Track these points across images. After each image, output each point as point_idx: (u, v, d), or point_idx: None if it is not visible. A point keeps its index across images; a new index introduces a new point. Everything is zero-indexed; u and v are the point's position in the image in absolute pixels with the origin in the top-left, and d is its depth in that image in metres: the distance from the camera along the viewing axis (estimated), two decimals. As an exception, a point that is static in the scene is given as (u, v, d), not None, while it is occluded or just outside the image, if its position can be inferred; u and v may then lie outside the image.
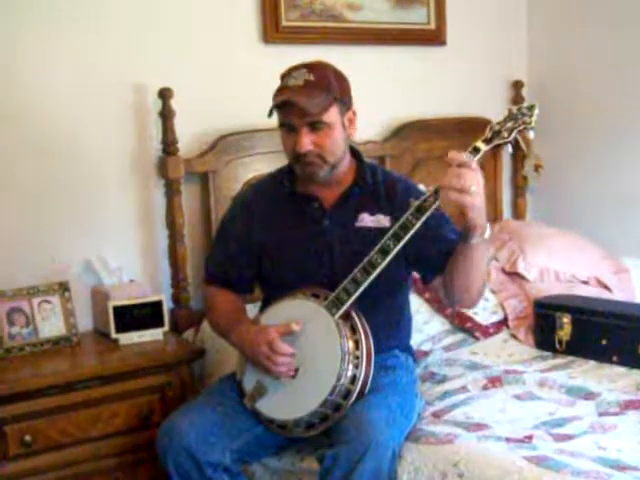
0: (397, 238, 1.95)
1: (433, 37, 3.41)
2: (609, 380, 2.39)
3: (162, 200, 2.81)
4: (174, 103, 2.72)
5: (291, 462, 2.16)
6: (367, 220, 2.18)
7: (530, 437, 2.00)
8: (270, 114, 2.10)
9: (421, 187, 2.26)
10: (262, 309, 2.26)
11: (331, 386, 1.95)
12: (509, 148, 1.99)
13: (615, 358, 2.54)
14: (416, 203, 1.94)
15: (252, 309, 2.39)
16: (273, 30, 3.00)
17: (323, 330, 2.00)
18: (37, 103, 2.62)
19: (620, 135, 3.42)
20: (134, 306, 2.58)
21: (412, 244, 1.97)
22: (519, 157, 3.62)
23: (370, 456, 1.83)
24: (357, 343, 2.01)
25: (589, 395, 2.28)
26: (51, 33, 2.62)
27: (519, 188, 3.72)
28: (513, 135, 1.94)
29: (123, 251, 2.79)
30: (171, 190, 2.77)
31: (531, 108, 1.95)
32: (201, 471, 2.00)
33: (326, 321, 2.01)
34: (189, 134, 2.83)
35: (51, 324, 2.57)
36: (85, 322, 2.73)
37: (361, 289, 1.99)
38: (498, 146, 1.95)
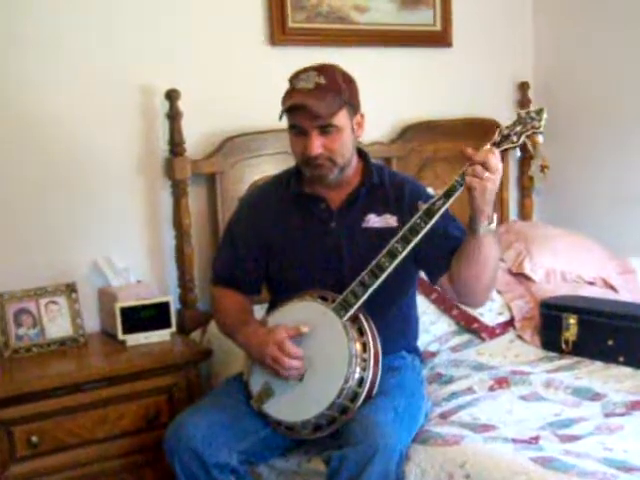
0: (406, 241, 1.95)
1: (439, 38, 3.41)
2: (615, 381, 2.39)
3: (169, 201, 2.82)
4: (181, 104, 2.73)
5: (298, 463, 2.16)
6: (374, 221, 2.18)
7: (536, 438, 2.00)
8: (281, 117, 2.10)
9: (429, 190, 2.26)
10: (269, 311, 2.26)
11: (338, 388, 1.95)
12: (517, 152, 1.99)
13: (621, 359, 2.54)
14: (425, 206, 1.95)
15: (259, 311, 2.39)
16: (280, 32, 3.00)
17: (331, 332, 2.01)
18: (44, 105, 2.63)
19: (626, 135, 3.41)
20: (141, 307, 2.59)
21: (419, 244, 1.97)
22: (525, 159, 3.62)
23: (378, 458, 1.84)
24: (365, 345, 2.01)
25: (595, 396, 2.28)
26: (57, 34, 2.63)
27: (525, 189, 3.72)
28: (522, 139, 1.94)
29: (130, 252, 2.79)
30: (178, 191, 2.78)
31: (540, 112, 1.96)
32: (208, 472, 2.00)
33: (334, 323, 2.01)
34: (196, 135, 2.84)
35: (58, 325, 2.58)
36: (92, 323, 2.73)
37: (369, 292, 1.99)
38: (507, 150, 1.96)
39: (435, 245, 2.09)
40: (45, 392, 2.30)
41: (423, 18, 3.35)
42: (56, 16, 2.62)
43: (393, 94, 3.26)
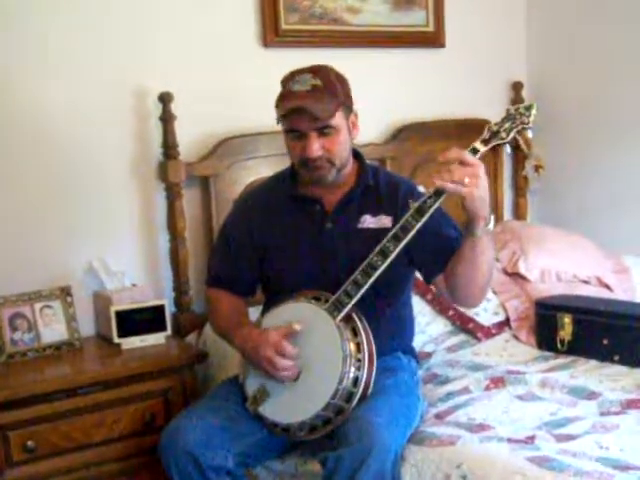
0: (397, 240, 1.95)
1: (432, 39, 3.41)
2: (611, 380, 2.39)
3: (163, 204, 2.82)
4: (174, 107, 2.73)
5: (294, 465, 2.17)
6: (369, 221, 2.18)
7: (532, 438, 2.00)
8: (279, 121, 2.10)
9: (421, 188, 2.26)
10: (264, 312, 2.26)
11: (333, 389, 1.95)
12: (508, 149, 2.00)
13: (616, 357, 2.54)
14: (416, 204, 1.95)
15: (254, 312, 2.39)
16: (273, 33, 3.00)
17: (325, 333, 2.00)
18: (37, 107, 2.63)
19: (620, 135, 3.42)
20: (136, 310, 2.59)
21: (413, 243, 1.97)
22: (519, 158, 3.62)
23: (373, 459, 1.83)
24: (359, 345, 2.01)
25: (591, 395, 2.28)
26: (51, 37, 2.63)
27: (520, 189, 3.73)
28: (511, 135, 1.94)
29: (125, 255, 2.79)
30: (172, 194, 2.77)
31: (529, 108, 1.96)
32: (204, 475, 2.00)
33: (327, 324, 2.01)
34: (190, 138, 2.84)
35: (53, 329, 2.57)
36: (87, 327, 2.73)
37: (362, 291, 1.99)
38: (497, 146, 1.96)
39: (429, 245, 2.09)
40: (41, 396, 2.30)
41: (416, 19, 3.35)
42: (49, 17, 2.62)
43: (386, 95, 3.26)
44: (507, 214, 3.71)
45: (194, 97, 2.83)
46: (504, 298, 2.93)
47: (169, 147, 2.75)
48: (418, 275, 2.28)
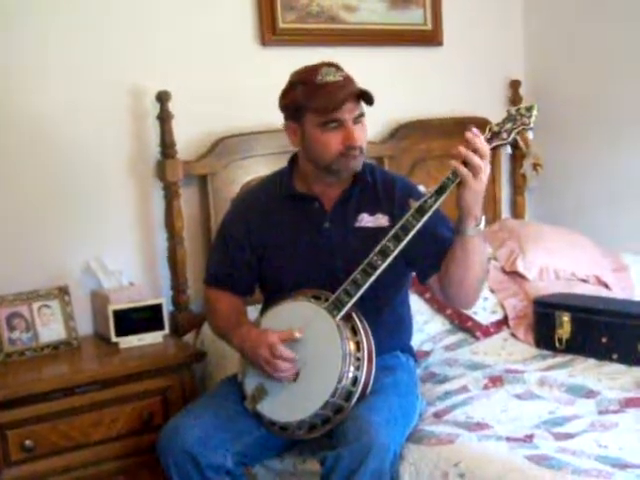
0: (397, 239, 1.96)
1: (430, 37, 3.41)
2: (609, 378, 2.39)
3: (161, 203, 2.81)
4: (172, 106, 2.72)
5: (293, 464, 2.17)
6: (367, 220, 2.18)
7: (531, 436, 2.00)
8: (304, 114, 2.10)
9: (420, 188, 2.26)
10: (263, 311, 2.26)
11: (332, 388, 1.95)
12: (508, 149, 2.00)
13: (615, 356, 2.54)
14: (416, 204, 1.95)
15: (253, 311, 2.39)
16: (270, 32, 3.00)
17: (324, 332, 2.00)
18: (35, 106, 2.62)
19: (618, 133, 3.42)
20: (134, 309, 2.58)
21: (410, 243, 1.97)
22: (518, 156, 3.63)
23: (372, 457, 1.83)
24: (358, 344, 2.01)
25: (589, 393, 2.28)
26: (48, 36, 2.63)
27: (518, 187, 3.73)
28: (512, 136, 1.95)
29: (122, 254, 2.79)
30: (170, 193, 2.77)
31: (530, 109, 1.96)
32: (203, 474, 2.00)
33: (327, 323, 2.01)
34: (187, 137, 2.83)
35: (51, 329, 2.57)
36: (85, 326, 2.73)
37: (361, 291, 1.99)
38: (497, 147, 1.96)
39: (425, 245, 2.09)
40: (39, 396, 2.30)
41: (413, 17, 3.35)
42: (47, 17, 2.62)
43: (384, 93, 3.20)
44: (505, 212, 3.71)
45: (192, 96, 2.83)
46: (502, 296, 2.94)
47: (167, 146, 2.74)
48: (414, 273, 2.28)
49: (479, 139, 1.92)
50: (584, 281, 3.06)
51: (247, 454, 2.10)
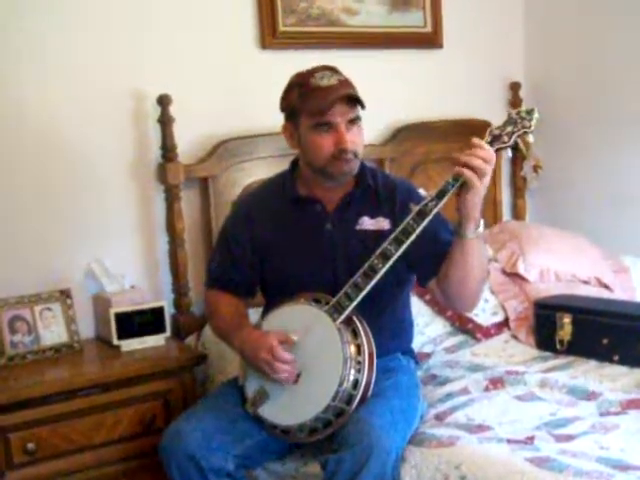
0: (398, 243, 1.96)
1: (430, 40, 3.42)
2: (610, 380, 2.39)
3: (162, 206, 2.82)
4: (173, 109, 2.72)
5: (295, 467, 2.17)
6: (368, 223, 2.18)
7: (532, 438, 2.00)
8: (298, 117, 2.12)
9: (421, 191, 2.26)
10: (264, 314, 2.26)
11: (333, 391, 1.95)
12: (508, 152, 2.01)
13: (616, 357, 2.54)
14: (417, 208, 1.96)
15: (254, 314, 2.39)
16: (270, 35, 3.00)
17: (325, 335, 2.01)
18: (36, 110, 2.63)
19: (618, 135, 3.42)
20: (136, 312, 2.59)
21: (410, 246, 1.98)
22: (518, 159, 3.63)
23: (373, 460, 1.84)
24: (359, 348, 2.01)
25: (590, 395, 2.28)
26: (49, 40, 2.63)
27: (518, 189, 3.73)
28: (513, 139, 1.95)
29: (124, 257, 2.79)
30: (171, 196, 2.78)
31: (530, 112, 1.97)
32: (204, 477, 2.00)
33: (328, 326, 2.01)
34: (188, 140, 2.84)
35: (53, 332, 2.58)
36: (87, 329, 2.73)
37: (362, 294, 1.99)
38: (498, 150, 1.96)
39: (425, 248, 2.09)
40: (41, 399, 2.30)
41: (413, 20, 3.35)
42: (47, 20, 2.62)
43: (385, 96, 3.26)
44: (506, 215, 3.71)
45: (192, 99, 2.83)
46: (503, 298, 2.94)
47: (168, 149, 2.75)
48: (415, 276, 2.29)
49: (484, 144, 1.93)
50: (585, 283, 3.06)
51: (248, 457, 2.10)
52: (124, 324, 2.57)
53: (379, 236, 2.05)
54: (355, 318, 2.04)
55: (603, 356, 2.57)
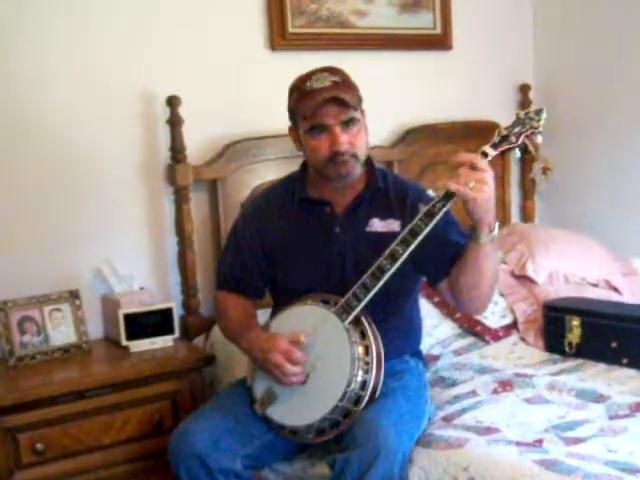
0: (406, 243, 1.95)
1: (439, 42, 3.41)
2: (619, 383, 2.38)
3: (171, 207, 2.83)
4: (182, 111, 2.73)
5: (302, 468, 2.17)
6: (378, 225, 2.18)
7: (540, 441, 1.99)
8: (296, 122, 2.12)
9: (430, 192, 2.26)
10: (272, 315, 2.26)
11: (341, 392, 1.95)
12: (517, 152, 2.00)
13: (625, 360, 2.53)
14: (425, 208, 1.95)
15: (262, 315, 2.39)
16: (280, 37, 3.01)
17: (333, 336, 2.01)
18: (44, 113, 2.64)
19: (628, 137, 3.41)
20: (144, 313, 2.60)
21: (419, 247, 1.97)
22: (527, 160, 3.62)
23: (381, 461, 1.84)
24: (367, 349, 2.01)
25: (599, 398, 2.27)
26: (57, 42, 2.64)
27: (527, 191, 3.72)
28: (521, 140, 1.94)
29: (133, 258, 2.80)
30: (180, 197, 2.78)
31: (539, 112, 1.96)
32: (212, 477, 2.00)
33: (336, 327, 2.01)
34: (197, 141, 2.85)
35: (62, 332, 2.58)
36: (95, 330, 2.74)
37: (370, 295, 1.99)
38: (506, 151, 1.96)
39: (435, 249, 2.09)
40: (50, 399, 2.31)
41: (423, 21, 3.35)
42: (55, 22, 2.63)
43: (394, 98, 3.26)
44: (515, 216, 3.71)
45: (201, 101, 2.84)
46: (512, 300, 2.93)
47: (177, 151, 2.75)
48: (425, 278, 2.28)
49: (457, 156, 1.90)
50: (594, 285, 3.05)
51: (256, 458, 2.10)
52: (133, 325, 2.58)
53: (389, 238, 2.03)
54: (363, 319, 2.04)
55: (612, 359, 2.56)
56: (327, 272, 2.18)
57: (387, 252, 1.97)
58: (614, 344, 2.57)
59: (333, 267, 2.18)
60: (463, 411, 2.20)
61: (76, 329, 2.60)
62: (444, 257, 2.11)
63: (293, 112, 2.15)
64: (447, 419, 2.17)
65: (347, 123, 2.08)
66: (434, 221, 1.93)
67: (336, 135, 2.07)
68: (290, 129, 2.21)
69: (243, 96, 2.94)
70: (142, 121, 2.80)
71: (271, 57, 3.03)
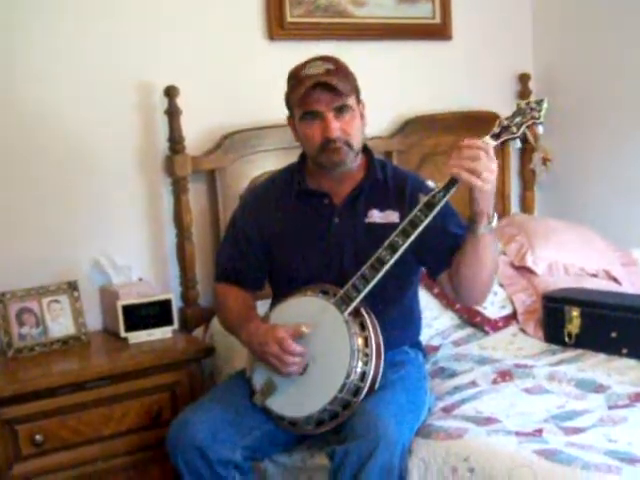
0: (406, 234, 1.95)
1: (438, 32, 3.40)
2: (619, 373, 2.38)
3: (169, 198, 2.82)
4: (180, 101, 2.72)
5: (301, 459, 2.17)
6: (376, 216, 2.17)
7: (540, 431, 1.99)
8: (292, 110, 2.11)
9: (429, 183, 2.25)
10: (272, 306, 2.26)
11: (341, 383, 1.95)
12: (517, 143, 1.99)
13: (625, 351, 2.53)
14: (425, 199, 1.94)
15: (261, 306, 2.39)
16: (278, 26, 3.00)
17: (332, 327, 2.00)
18: (43, 103, 2.63)
19: (628, 127, 3.40)
20: (143, 305, 2.59)
21: (419, 239, 1.97)
22: (527, 151, 3.61)
23: (380, 452, 1.84)
24: (366, 340, 2.00)
25: (599, 388, 2.27)
26: (55, 32, 2.63)
27: (527, 182, 3.71)
28: (522, 130, 1.94)
29: (131, 250, 2.79)
30: (178, 188, 2.77)
31: (540, 103, 1.95)
32: (212, 468, 2.00)
33: (335, 318, 2.01)
34: (196, 132, 2.83)
35: (60, 324, 2.58)
36: (94, 321, 2.74)
37: (370, 286, 1.98)
38: (507, 141, 1.95)
39: (435, 241, 2.09)
40: (49, 391, 2.31)
41: (422, 11, 3.34)
42: (54, 12, 2.62)
43: (393, 88, 3.25)
44: (514, 207, 3.70)
45: (200, 91, 2.83)
46: (511, 291, 2.93)
47: (175, 141, 2.74)
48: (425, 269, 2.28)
49: (472, 142, 1.89)
50: (594, 276, 3.05)
51: (256, 449, 2.10)
52: (131, 316, 2.57)
53: (388, 229, 2.02)
54: (363, 310, 2.04)
55: (612, 349, 2.56)
56: (326, 263, 2.17)
57: (386, 243, 1.97)
58: (614, 334, 2.57)
59: (332, 258, 2.17)
60: (463, 402, 2.20)
61: (75, 320, 2.60)
62: (444, 248, 2.11)
63: (288, 100, 2.15)
64: (447, 410, 2.17)
65: (340, 111, 2.07)
66: (434, 212, 1.93)
67: (328, 122, 2.06)
68: (288, 118, 2.21)
69: (241, 86, 2.93)
70: (140, 112, 2.79)
71: (269, 47, 3.02)
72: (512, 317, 2.86)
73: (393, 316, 2.19)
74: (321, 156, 2.12)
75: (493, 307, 2.85)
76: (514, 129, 1.94)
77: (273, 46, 3.01)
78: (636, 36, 3.33)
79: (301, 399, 2.03)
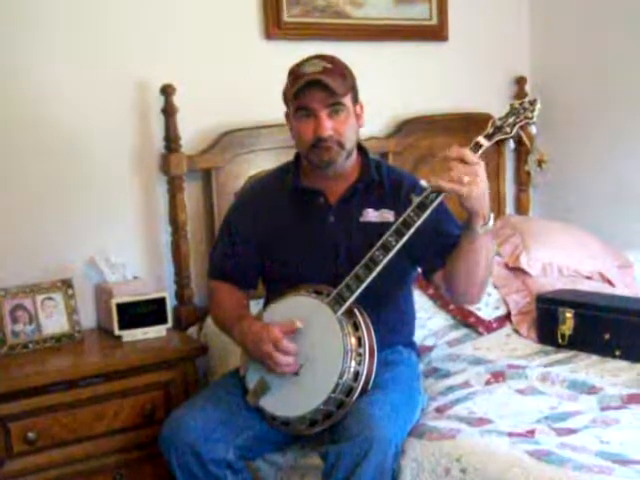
0: (399, 234, 1.95)
1: (435, 33, 3.41)
2: (611, 374, 2.39)
3: (165, 197, 2.82)
4: (176, 99, 2.72)
5: (295, 458, 2.17)
6: (371, 215, 2.18)
7: (532, 432, 2.00)
8: (291, 101, 2.11)
9: (423, 183, 2.25)
10: (265, 306, 2.26)
11: (334, 383, 1.95)
12: (511, 143, 2.00)
13: (618, 352, 2.54)
14: (418, 199, 1.94)
15: (255, 306, 2.39)
16: (275, 26, 3.00)
17: (325, 327, 2.00)
18: (39, 101, 2.62)
19: (623, 129, 3.41)
20: (137, 303, 2.59)
21: (413, 239, 1.97)
22: (522, 152, 3.61)
23: (373, 452, 1.84)
24: (360, 340, 2.01)
25: (591, 389, 2.28)
26: (52, 30, 2.63)
27: (522, 183, 3.72)
28: (515, 130, 1.94)
29: (126, 248, 2.79)
30: (174, 187, 2.77)
31: (533, 103, 1.96)
32: (204, 467, 2.01)
33: (328, 318, 2.01)
34: (191, 131, 2.83)
35: (54, 321, 2.58)
36: (88, 319, 2.73)
37: (363, 286, 1.98)
38: (500, 141, 1.96)
39: (429, 241, 2.09)
40: (42, 388, 2.30)
41: (419, 12, 3.34)
42: (50, 12, 2.62)
43: (389, 89, 3.25)
44: (509, 209, 3.70)
45: (196, 90, 2.82)
46: (505, 292, 2.93)
47: (171, 140, 2.74)
48: (419, 269, 2.28)
49: (443, 153, 1.90)
50: (588, 278, 3.06)
51: (249, 448, 2.10)
52: (126, 314, 2.57)
53: (383, 229, 2.03)
54: (356, 310, 2.04)
55: (605, 351, 2.57)
56: (320, 262, 2.17)
57: (380, 243, 1.97)
58: (607, 336, 2.57)
59: (326, 257, 2.17)
60: (456, 402, 2.21)
61: (69, 318, 2.59)
62: (438, 248, 2.11)
63: (285, 97, 2.16)
64: (440, 410, 2.17)
65: (335, 110, 2.08)
66: (426, 213, 1.93)
67: (320, 120, 2.07)
68: (285, 114, 2.21)
69: (238, 85, 2.93)
70: (136, 110, 2.79)
71: (266, 46, 3.01)
72: (506, 318, 2.86)
73: (387, 316, 2.20)
74: (312, 154, 2.13)
75: (487, 308, 2.85)
76: (507, 129, 1.95)
77: (270, 46, 3.01)
78: (632, 40, 3.33)
79: (294, 399, 2.03)
